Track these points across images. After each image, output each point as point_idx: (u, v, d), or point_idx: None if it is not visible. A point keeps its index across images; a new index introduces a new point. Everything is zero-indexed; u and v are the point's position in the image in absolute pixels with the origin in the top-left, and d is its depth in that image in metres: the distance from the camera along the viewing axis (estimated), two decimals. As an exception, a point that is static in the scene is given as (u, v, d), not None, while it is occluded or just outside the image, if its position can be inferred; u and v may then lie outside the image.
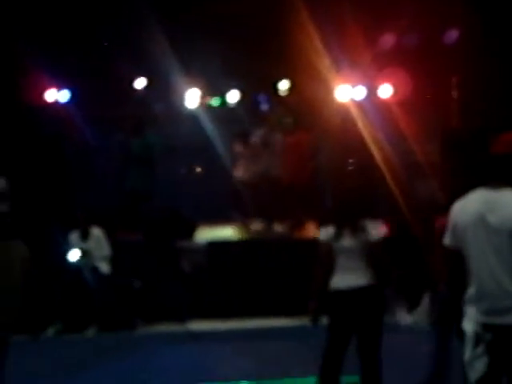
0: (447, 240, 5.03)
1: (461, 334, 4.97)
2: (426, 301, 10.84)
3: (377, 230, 7.01)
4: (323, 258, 7.06)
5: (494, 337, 4.70)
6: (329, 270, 7.00)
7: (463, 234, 4.85)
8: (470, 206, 4.87)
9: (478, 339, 4.76)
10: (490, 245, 4.72)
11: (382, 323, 6.97)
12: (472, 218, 4.79)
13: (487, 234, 4.73)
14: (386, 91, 14.21)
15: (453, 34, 13.69)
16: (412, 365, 8.29)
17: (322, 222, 7.63)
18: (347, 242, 6.94)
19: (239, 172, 14.39)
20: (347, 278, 6.90)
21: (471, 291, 4.84)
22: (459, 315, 4.97)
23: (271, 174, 14.18)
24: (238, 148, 14.48)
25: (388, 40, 13.68)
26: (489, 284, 4.72)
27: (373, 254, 6.89)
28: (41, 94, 14.27)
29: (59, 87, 14.35)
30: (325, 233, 7.15)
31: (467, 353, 4.81)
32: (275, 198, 14.03)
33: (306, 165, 14.21)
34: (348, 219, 7.03)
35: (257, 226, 14.12)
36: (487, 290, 4.73)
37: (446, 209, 5.31)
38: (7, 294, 6.69)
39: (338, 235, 6.97)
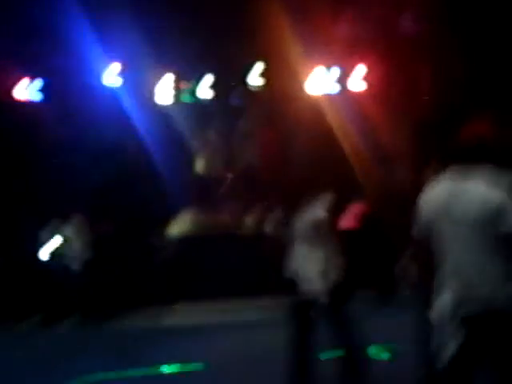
0: (415, 230, 5.07)
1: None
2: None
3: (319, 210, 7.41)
4: None
5: (461, 323, 4.74)
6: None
7: (431, 225, 4.90)
8: (436, 197, 4.92)
9: (444, 327, 4.81)
10: (456, 235, 4.78)
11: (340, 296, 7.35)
12: (439, 210, 4.85)
13: (453, 225, 4.78)
14: (357, 83, 14.33)
15: (407, 20, 13.97)
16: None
17: None
18: (296, 226, 7.41)
19: (200, 165, 14.96)
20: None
21: (439, 280, 4.87)
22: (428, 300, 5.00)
23: (252, 166, 14.77)
24: (203, 142, 15.02)
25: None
26: (456, 273, 4.78)
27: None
28: (9, 91, 14.29)
29: (28, 83, 14.34)
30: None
31: (437, 337, 4.87)
32: (251, 189, 14.42)
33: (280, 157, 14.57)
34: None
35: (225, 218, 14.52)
36: (454, 280, 4.77)
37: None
38: None
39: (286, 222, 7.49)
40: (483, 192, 4.73)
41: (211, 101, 14.85)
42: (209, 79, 14.49)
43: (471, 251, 4.73)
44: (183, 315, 12.92)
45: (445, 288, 4.83)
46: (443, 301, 4.83)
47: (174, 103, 14.72)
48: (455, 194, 4.80)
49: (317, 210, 7.44)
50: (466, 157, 4.83)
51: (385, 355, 8.57)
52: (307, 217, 7.41)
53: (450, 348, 4.75)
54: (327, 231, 7.45)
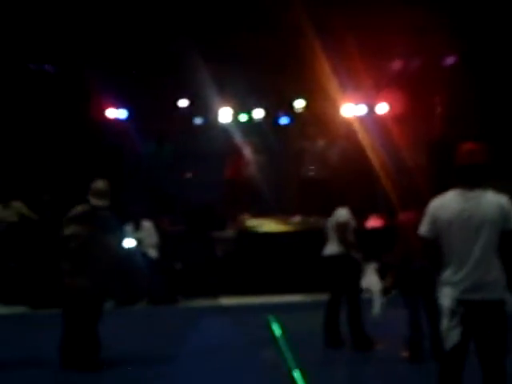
0: (427, 231, 5.08)
1: (431, 306, 5.18)
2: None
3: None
4: None
5: (466, 310, 4.85)
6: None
7: (448, 226, 4.93)
8: (452, 204, 4.96)
9: (453, 313, 4.86)
10: (473, 234, 4.83)
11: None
12: (457, 214, 4.90)
13: (471, 226, 4.84)
14: (382, 108, 14.76)
15: (451, 59, 14.04)
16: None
17: None
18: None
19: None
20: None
21: (449, 273, 4.94)
22: (431, 289, 5.12)
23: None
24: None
25: (392, 65, 14.20)
26: (468, 267, 4.83)
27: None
28: (103, 111, 14.89)
29: (118, 106, 14.97)
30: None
31: (444, 324, 4.91)
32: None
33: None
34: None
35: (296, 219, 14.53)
36: (465, 272, 4.83)
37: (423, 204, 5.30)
38: None
39: None
40: (495, 197, 4.90)
41: (263, 120, 15.25)
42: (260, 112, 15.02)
43: (477, 247, 4.81)
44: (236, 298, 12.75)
45: (454, 279, 4.87)
46: (451, 289, 4.88)
47: (232, 122, 15.01)
48: (469, 202, 4.88)
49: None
50: (464, 174, 4.91)
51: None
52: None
53: (455, 335, 4.80)
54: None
